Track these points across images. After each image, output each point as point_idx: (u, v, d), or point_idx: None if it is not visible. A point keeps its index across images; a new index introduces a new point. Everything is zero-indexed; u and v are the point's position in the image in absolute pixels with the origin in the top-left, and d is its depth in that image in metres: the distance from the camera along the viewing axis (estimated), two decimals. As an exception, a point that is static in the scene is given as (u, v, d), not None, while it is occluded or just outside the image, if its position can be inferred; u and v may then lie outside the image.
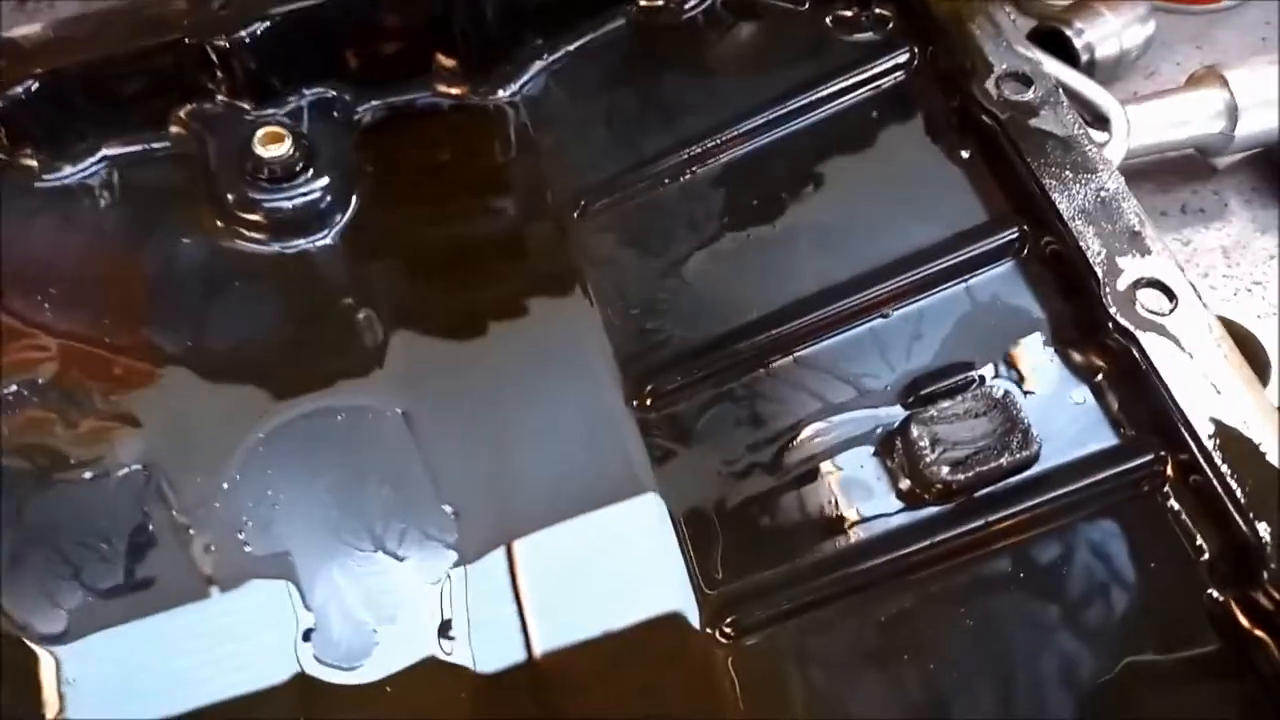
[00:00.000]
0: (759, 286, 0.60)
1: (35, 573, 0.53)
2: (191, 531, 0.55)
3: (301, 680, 0.52)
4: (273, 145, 0.64)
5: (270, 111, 0.68)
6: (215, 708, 0.51)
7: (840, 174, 0.63)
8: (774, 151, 0.64)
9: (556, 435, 0.59)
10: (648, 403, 0.58)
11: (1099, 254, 0.56)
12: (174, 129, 0.68)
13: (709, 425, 0.57)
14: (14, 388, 0.59)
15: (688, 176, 0.64)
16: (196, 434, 0.58)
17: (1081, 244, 0.56)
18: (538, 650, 0.53)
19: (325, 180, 0.66)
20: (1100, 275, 0.55)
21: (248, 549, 0.55)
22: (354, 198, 0.66)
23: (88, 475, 0.57)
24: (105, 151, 0.67)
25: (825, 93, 0.64)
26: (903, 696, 0.50)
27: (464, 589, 0.54)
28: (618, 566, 0.55)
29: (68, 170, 0.67)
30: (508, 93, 0.70)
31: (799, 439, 0.55)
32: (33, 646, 0.52)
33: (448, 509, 0.56)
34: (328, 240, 0.65)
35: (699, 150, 0.64)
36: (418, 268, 0.65)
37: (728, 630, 0.52)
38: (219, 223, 0.65)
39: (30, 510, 0.55)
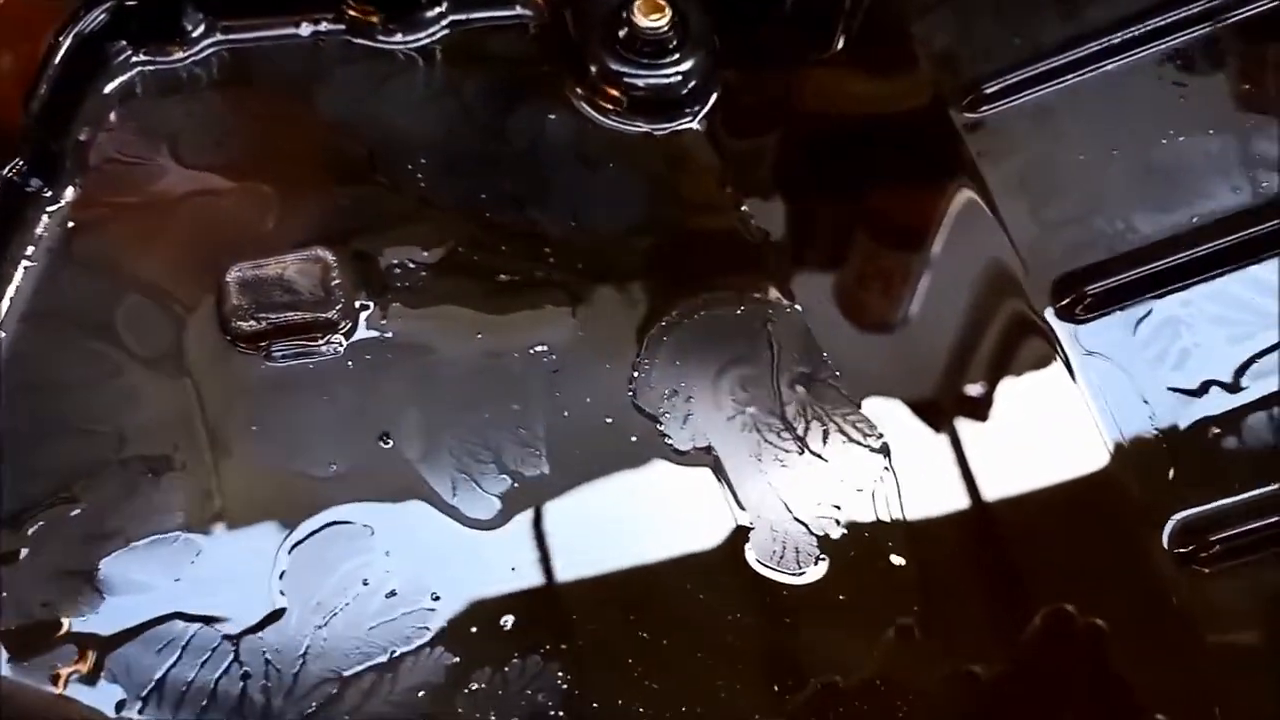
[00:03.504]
0: (1197, 192, 0.56)
1: (454, 456, 0.51)
2: (609, 419, 0.52)
3: (746, 576, 0.49)
4: (653, 15, 0.60)
5: (623, -17, 0.64)
6: (649, 600, 0.48)
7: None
8: (1201, 47, 0.60)
9: (963, 332, 0.56)
10: (1069, 307, 0.55)
11: None
12: (528, -6, 0.63)
13: (1147, 337, 0.54)
14: (398, 262, 0.55)
15: (1097, 72, 0.60)
16: (594, 321, 0.55)
17: None
18: (972, 558, 0.51)
19: (692, 61, 0.61)
20: None
21: (669, 441, 0.52)
22: (717, 82, 0.62)
23: (489, 355, 0.53)
24: (455, 17, 0.63)
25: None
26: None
27: (896, 492, 0.51)
28: (1045, 473, 0.52)
29: (414, 36, 0.62)
30: (875, -23, 0.66)
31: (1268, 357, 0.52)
32: (465, 533, 0.49)
33: (868, 412, 0.53)
34: (694, 125, 0.61)
35: (1106, 43, 0.60)
36: (792, 162, 0.61)
37: (1190, 555, 0.49)
38: (582, 97, 0.61)
39: (433, 388, 0.52)
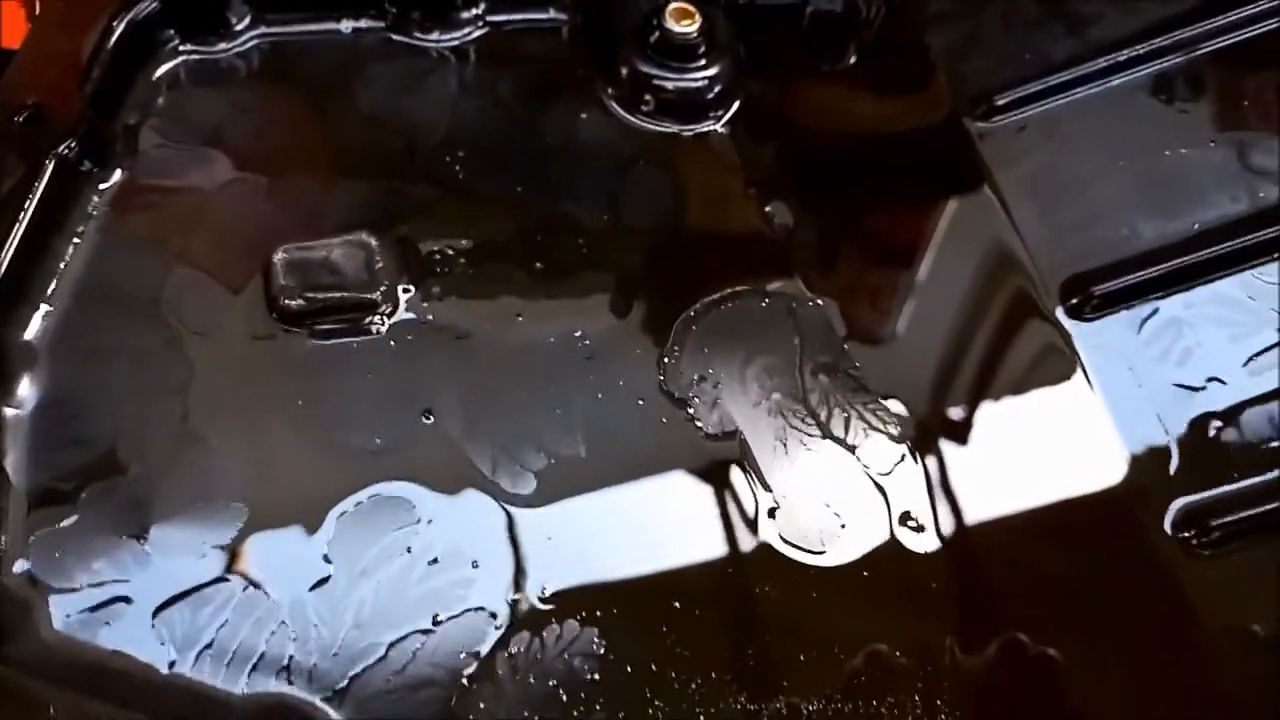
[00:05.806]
0: (1198, 200, 0.59)
1: (493, 433, 0.53)
2: (641, 402, 0.54)
3: (771, 553, 0.51)
4: (684, 21, 0.63)
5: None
6: (681, 572, 0.50)
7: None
8: (1193, 69, 0.63)
9: (976, 328, 0.58)
10: (1077, 307, 0.58)
11: None
12: (562, -1, 0.66)
13: (1151, 336, 0.57)
14: (438, 248, 0.57)
15: (1104, 87, 0.63)
16: (626, 309, 0.57)
17: None
18: (988, 539, 0.53)
19: (718, 66, 0.64)
20: None
21: (698, 424, 0.54)
22: (741, 89, 0.65)
23: (527, 339, 0.55)
24: (490, 18, 0.65)
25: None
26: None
27: (921, 477, 0.54)
28: (1055, 461, 0.55)
29: (452, 35, 0.65)
30: (889, -9, 0.69)
31: (1266, 355, 0.55)
32: (504, 506, 0.51)
33: (888, 402, 0.56)
34: (719, 128, 0.64)
35: (1112, 60, 0.63)
36: (812, 165, 0.64)
37: (1191, 540, 0.52)
38: (613, 97, 0.64)
39: (473, 369, 0.54)
